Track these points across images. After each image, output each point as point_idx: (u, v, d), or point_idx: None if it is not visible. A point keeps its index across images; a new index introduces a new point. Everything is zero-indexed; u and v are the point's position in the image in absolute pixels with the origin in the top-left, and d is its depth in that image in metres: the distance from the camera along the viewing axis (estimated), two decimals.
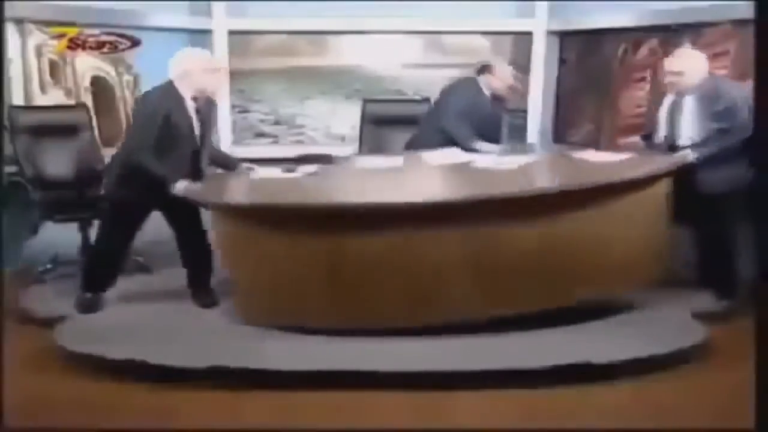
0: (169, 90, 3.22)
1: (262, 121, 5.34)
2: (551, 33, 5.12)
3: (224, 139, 5.26)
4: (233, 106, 5.25)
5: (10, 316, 3.29)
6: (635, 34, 4.64)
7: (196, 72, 3.21)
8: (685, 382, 2.80)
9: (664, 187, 3.25)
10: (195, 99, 3.24)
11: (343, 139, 5.03)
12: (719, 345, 3.03)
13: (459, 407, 2.63)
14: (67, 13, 4.29)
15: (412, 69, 5.18)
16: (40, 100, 4.26)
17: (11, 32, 4.06)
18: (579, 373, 2.72)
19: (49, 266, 3.90)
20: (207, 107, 3.33)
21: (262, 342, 2.95)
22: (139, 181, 3.13)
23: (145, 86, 4.78)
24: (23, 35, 4.11)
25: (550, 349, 2.87)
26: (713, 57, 4.16)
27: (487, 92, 4.08)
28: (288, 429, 2.51)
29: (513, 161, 3.56)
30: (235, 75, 5.16)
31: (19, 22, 4.06)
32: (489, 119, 4.09)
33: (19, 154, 3.83)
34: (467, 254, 2.99)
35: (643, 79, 4.61)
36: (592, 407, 2.62)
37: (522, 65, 5.19)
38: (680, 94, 3.51)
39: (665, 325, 3.15)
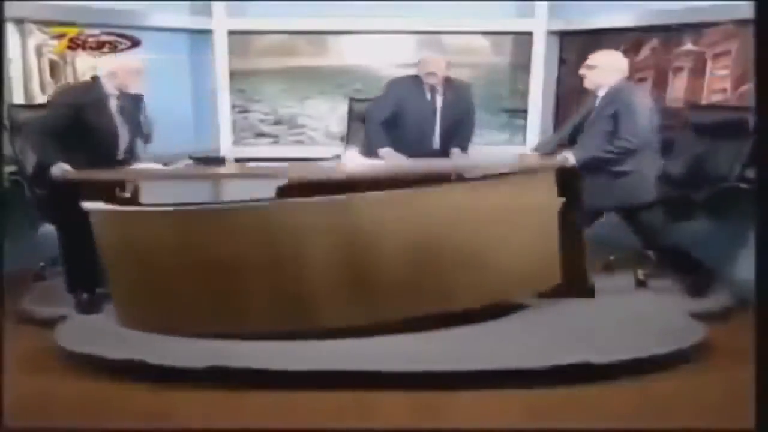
0: (92, 87, 3.47)
1: (262, 121, 5.34)
2: (551, 33, 5.11)
3: (224, 139, 5.26)
4: (233, 106, 5.25)
5: (10, 316, 3.30)
6: (635, 34, 4.64)
7: (121, 73, 3.46)
8: (685, 382, 2.80)
9: (553, 196, 3.26)
10: (119, 98, 3.48)
11: (343, 138, 5.03)
12: (719, 345, 3.04)
13: (459, 407, 2.62)
14: (67, 13, 4.28)
15: (412, 69, 5.16)
16: (40, 99, 4.26)
17: (11, 32, 4.06)
18: (579, 373, 2.72)
19: (43, 264, 3.93)
20: (133, 105, 3.58)
21: (262, 342, 2.95)
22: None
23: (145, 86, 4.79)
24: (23, 35, 4.11)
25: (550, 349, 2.87)
26: (714, 57, 4.17)
27: (426, 86, 4.14)
28: (288, 429, 2.51)
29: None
30: (235, 75, 5.17)
31: (19, 22, 4.06)
32: (428, 115, 4.15)
33: (20, 154, 3.83)
34: (337, 254, 2.93)
35: (643, 79, 4.61)
36: (592, 407, 2.62)
37: (522, 65, 5.20)
38: (593, 92, 3.62)
39: (665, 325, 3.15)
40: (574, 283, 3.43)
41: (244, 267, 2.94)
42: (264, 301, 2.97)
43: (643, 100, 3.52)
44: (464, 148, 4.25)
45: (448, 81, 4.19)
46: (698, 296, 3.50)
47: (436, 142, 4.19)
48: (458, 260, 3.04)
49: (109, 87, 3.48)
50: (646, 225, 3.53)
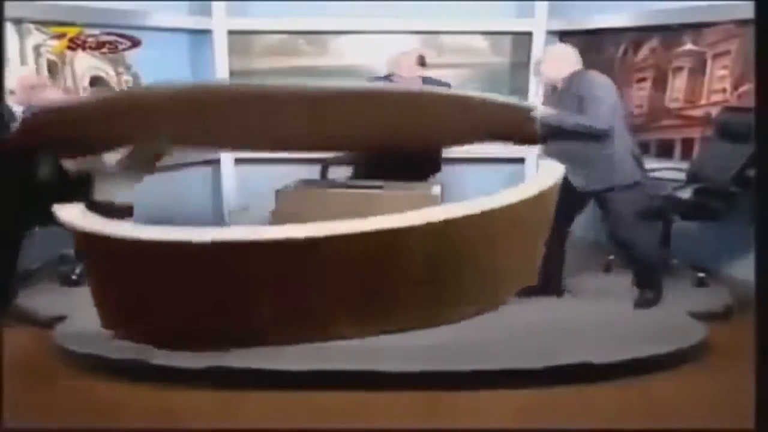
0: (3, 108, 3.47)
1: None
2: (551, 33, 5.11)
3: None
4: None
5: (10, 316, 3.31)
6: (635, 34, 4.64)
7: (19, 90, 3.54)
8: (685, 382, 2.80)
9: (551, 199, 3.22)
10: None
11: None
12: (719, 345, 3.04)
13: (458, 407, 2.62)
14: (67, 13, 4.28)
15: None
16: None
17: (10, 32, 4.05)
18: (579, 373, 2.72)
19: (39, 265, 3.93)
20: None
21: None
22: None
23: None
24: (21, 35, 4.10)
25: (550, 348, 2.87)
26: (714, 57, 4.17)
27: None
28: (288, 429, 2.51)
29: None
30: (235, 75, 5.16)
31: (17, 22, 4.05)
32: None
33: None
34: (354, 271, 2.81)
35: (643, 79, 4.61)
36: (592, 407, 2.62)
37: (522, 65, 5.19)
38: (550, 87, 3.51)
39: (665, 325, 3.15)
40: (547, 282, 3.46)
41: (255, 284, 2.78)
42: (275, 318, 2.84)
43: (605, 85, 3.34)
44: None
45: (426, 81, 4.05)
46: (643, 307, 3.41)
47: None
48: (468, 275, 3.03)
49: (14, 104, 3.52)
50: (617, 214, 3.36)
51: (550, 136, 3.37)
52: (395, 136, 3.59)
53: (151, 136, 3.47)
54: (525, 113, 3.31)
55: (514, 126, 3.41)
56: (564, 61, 3.41)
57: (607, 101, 3.25)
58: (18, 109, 3.53)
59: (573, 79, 3.35)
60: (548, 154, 3.44)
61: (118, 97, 2.88)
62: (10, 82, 3.61)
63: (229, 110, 3.08)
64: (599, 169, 3.30)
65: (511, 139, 3.70)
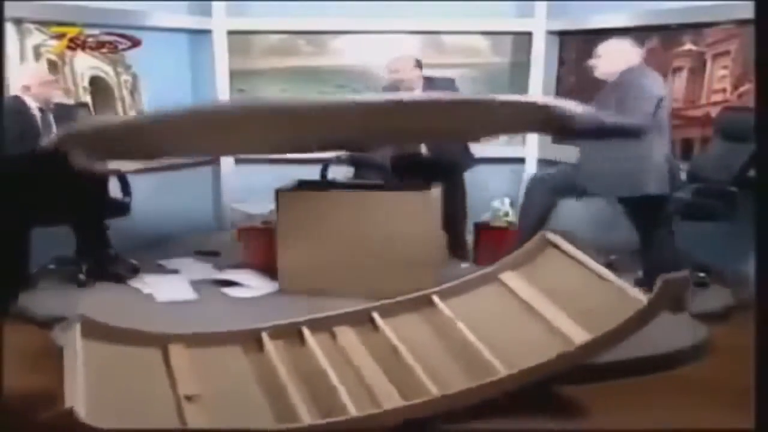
0: (15, 104, 3.48)
1: None
2: (551, 33, 5.11)
3: None
4: None
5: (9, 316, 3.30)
6: (635, 34, 4.63)
7: (35, 86, 3.54)
8: (685, 383, 2.80)
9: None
10: (42, 110, 3.53)
11: None
12: (719, 345, 3.04)
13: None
14: (67, 13, 4.28)
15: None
16: None
17: (10, 32, 4.04)
18: (579, 372, 2.71)
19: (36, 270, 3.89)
20: (67, 114, 3.67)
21: None
22: None
23: (145, 86, 4.79)
24: (22, 35, 4.10)
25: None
26: (714, 57, 4.17)
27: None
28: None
29: None
30: (235, 75, 5.16)
31: (18, 22, 4.05)
32: None
33: None
34: None
35: None
36: (593, 407, 2.62)
37: (522, 65, 5.19)
38: (601, 83, 3.45)
39: (665, 325, 3.14)
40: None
41: None
42: None
43: (653, 83, 3.34)
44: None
45: (429, 81, 4.04)
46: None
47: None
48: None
49: (29, 100, 3.52)
50: (650, 224, 3.41)
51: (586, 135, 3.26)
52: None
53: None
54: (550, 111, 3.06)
55: (545, 122, 3.19)
56: (620, 56, 3.39)
57: (647, 99, 3.20)
58: (33, 105, 3.52)
59: (624, 75, 3.34)
60: (582, 154, 3.45)
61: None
62: (22, 79, 3.62)
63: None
64: (628, 173, 3.25)
65: (545, 131, 3.76)
